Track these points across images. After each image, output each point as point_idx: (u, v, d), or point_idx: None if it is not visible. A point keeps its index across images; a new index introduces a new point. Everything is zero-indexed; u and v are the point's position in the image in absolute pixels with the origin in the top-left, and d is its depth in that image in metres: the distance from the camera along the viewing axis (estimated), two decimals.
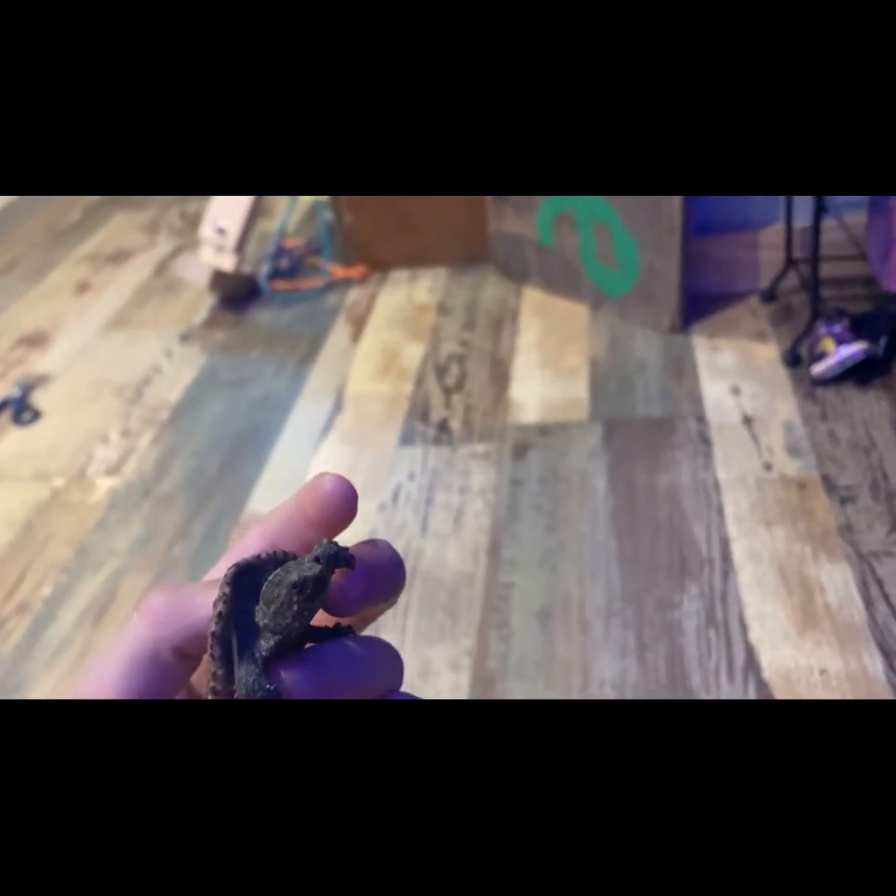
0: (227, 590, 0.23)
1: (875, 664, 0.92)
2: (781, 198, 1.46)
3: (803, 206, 1.39)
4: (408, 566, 1.12)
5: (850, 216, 1.48)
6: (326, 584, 0.23)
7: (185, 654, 0.24)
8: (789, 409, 1.28)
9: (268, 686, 0.23)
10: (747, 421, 1.27)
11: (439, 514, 1.19)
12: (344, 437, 1.36)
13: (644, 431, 1.29)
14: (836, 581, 1.02)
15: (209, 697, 0.23)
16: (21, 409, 1.50)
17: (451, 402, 1.40)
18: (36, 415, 1.50)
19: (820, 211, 1.27)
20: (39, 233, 2.17)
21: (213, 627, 0.23)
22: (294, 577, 0.22)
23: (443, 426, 1.35)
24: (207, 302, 1.75)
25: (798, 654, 0.94)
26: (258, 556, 0.24)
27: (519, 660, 0.98)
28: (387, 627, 1.04)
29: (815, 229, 1.27)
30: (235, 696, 0.23)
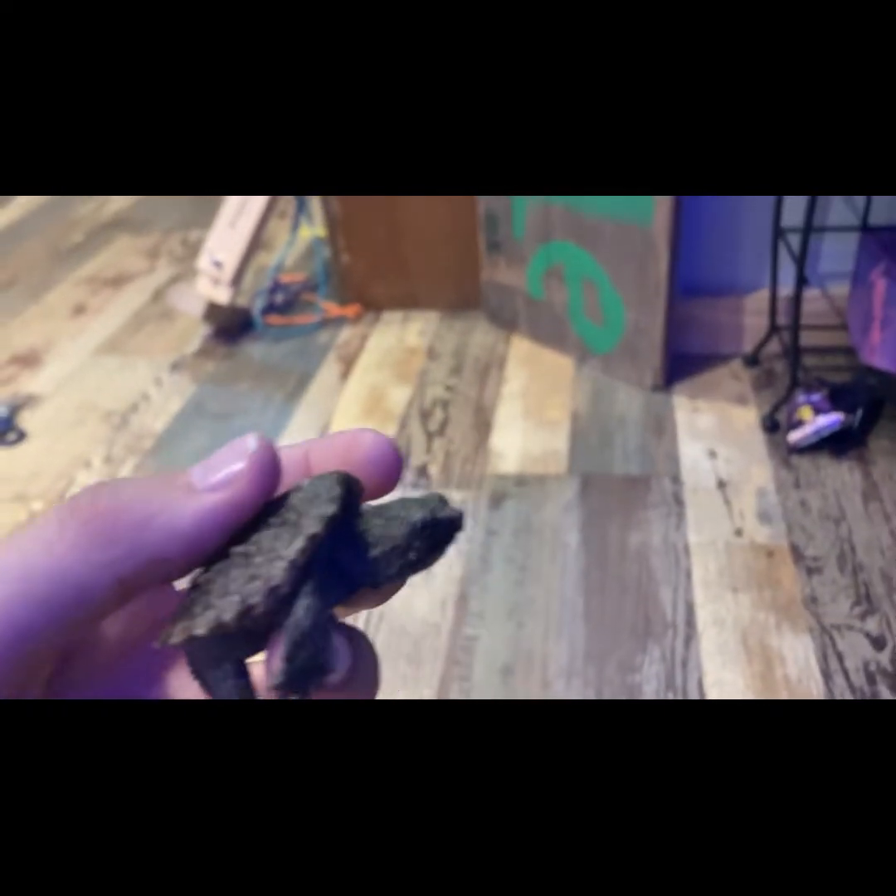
0: (340, 500, 0.17)
1: None
2: (767, 265, 1.49)
3: (788, 273, 1.42)
4: (375, 613, 1.13)
5: (833, 287, 1.51)
6: (455, 533, 0.19)
7: (127, 586, 0.18)
8: (764, 475, 1.30)
9: (321, 642, 0.18)
10: (721, 485, 1.29)
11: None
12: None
13: (620, 488, 1.30)
14: (797, 652, 1.02)
15: (227, 619, 0.17)
16: (6, 430, 1.51)
17: (433, 447, 1.41)
18: (21, 435, 1.51)
19: (801, 280, 1.29)
20: (42, 252, 2.20)
21: (303, 544, 0.17)
22: (419, 516, 0.18)
23: (422, 471, 1.36)
24: (200, 332, 1.77)
25: None
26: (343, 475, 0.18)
27: None
28: None
29: (797, 298, 1.30)
30: (279, 634, 0.17)
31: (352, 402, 1.54)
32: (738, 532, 1.20)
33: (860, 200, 1.44)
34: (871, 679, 0.98)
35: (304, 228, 1.88)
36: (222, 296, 1.68)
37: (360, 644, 0.20)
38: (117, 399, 1.60)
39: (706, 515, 1.24)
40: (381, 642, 1.08)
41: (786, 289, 1.47)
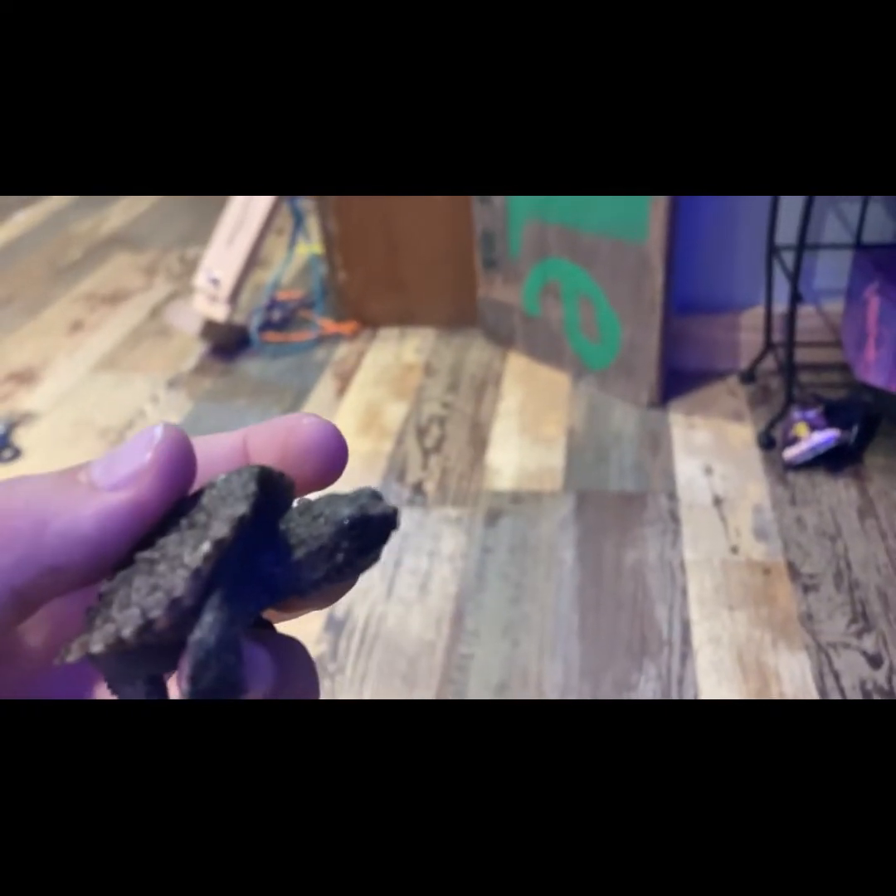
0: (253, 499, 0.15)
1: None
2: (762, 282, 1.49)
3: (783, 290, 1.42)
4: (370, 632, 1.12)
5: (828, 303, 1.51)
6: (389, 532, 0.16)
7: (24, 598, 0.16)
8: (760, 492, 1.30)
9: (230, 660, 0.15)
10: (717, 501, 1.29)
11: (406, 578, 1.20)
12: (320, 493, 1.37)
13: (615, 505, 1.30)
14: (794, 670, 1.02)
15: (126, 634, 0.15)
16: (2, 447, 1.51)
17: (429, 464, 1.41)
18: (16, 453, 1.51)
19: (796, 297, 1.30)
20: (40, 269, 2.20)
21: (207, 549, 0.15)
22: (347, 513, 0.16)
23: (418, 488, 1.36)
24: (198, 349, 1.77)
25: None
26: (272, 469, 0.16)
27: None
28: (344, 693, 1.04)
29: (791, 315, 1.30)
30: (185, 653, 0.15)
31: (348, 418, 1.55)
32: (734, 549, 1.20)
33: (854, 217, 1.45)
34: (867, 697, 0.98)
35: (301, 245, 1.88)
36: (219, 313, 1.68)
37: (291, 654, 0.18)
38: (113, 416, 1.60)
39: (702, 532, 1.23)
40: (376, 661, 1.08)
41: (780, 306, 1.47)
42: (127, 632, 0.15)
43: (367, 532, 0.16)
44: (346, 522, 0.15)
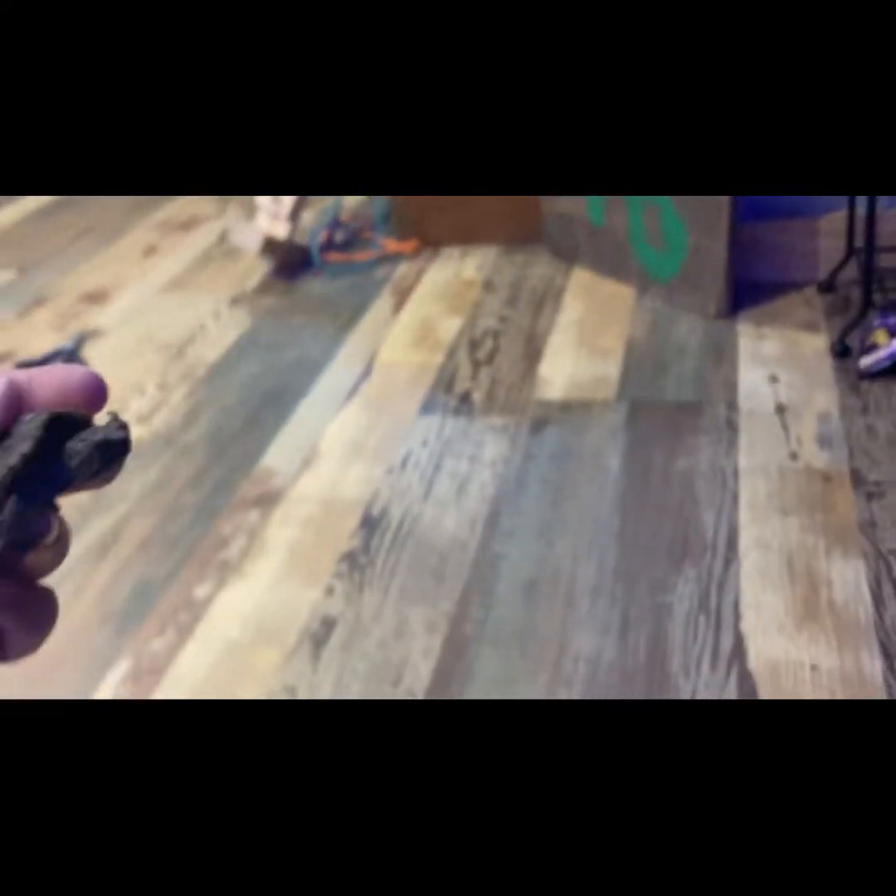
0: (37, 439, 0.25)
1: (874, 665, 0.85)
2: None
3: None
4: (404, 529, 1.10)
5: None
6: (125, 451, 0.26)
7: None
8: (828, 401, 1.20)
9: (29, 529, 0.25)
10: (780, 409, 1.20)
11: (445, 481, 1.17)
12: (367, 402, 1.35)
13: (670, 415, 1.23)
14: (847, 577, 0.95)
15: None
16: (70, 361, 1.55)
17: (479, 375, 1.38)
18: (83, 365, 1.55)
19: (875, 198, 1.19)
20: (119, 201, 2.26)
21: (12, 461, 0.25)
22: (98, 437, 0.25)
23: (465, 397, 1.33)
24: (262, 269, 1.78)
25: (790, 646, 0.88)
26: (55, 413, 0.26)
27: (496, 628, 0.95)
28: (370, 586, 1.02)
29: (870, 217, 1.20)
30: None
31: (402, 332, 1.52)
32: (794, 456, 1.12)
33: None
34: None
35: None
36: (280, 231, 1.68)
37: (63, 522, 0.26)
38: (177, 332, 1.62)
39: (760, 440, 1.16)
40: (407, 556, 1.06)
41: (865, 208, 1.35)
42: None
43: (110, 450, 0.25)
44: (96, 443, 0.25)
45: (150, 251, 1.95)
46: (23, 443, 0.25)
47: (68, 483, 0.25)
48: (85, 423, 0.26)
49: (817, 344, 1.32)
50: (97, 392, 0.26)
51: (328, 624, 0.98)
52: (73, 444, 0.25)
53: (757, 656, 0.87)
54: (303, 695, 0.90)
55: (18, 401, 0.25)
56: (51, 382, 0.26)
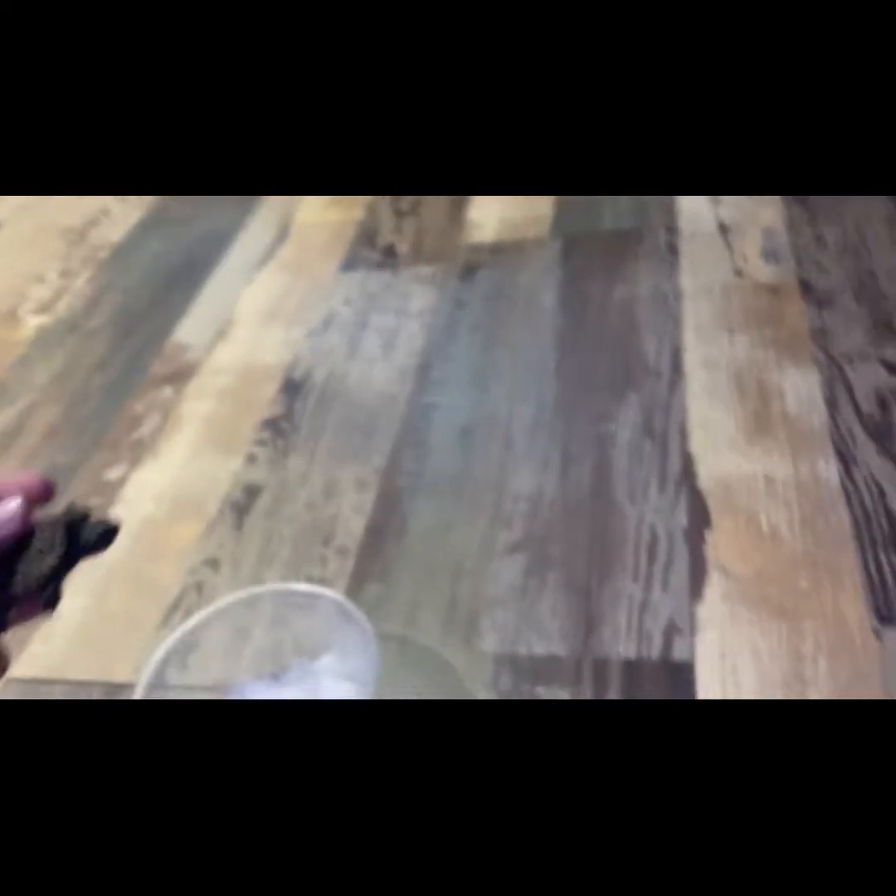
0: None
1: (829, 470, 0.79)
2: None
3: None
4: (329, 390, 1.02)
5: None
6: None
7: None
8: (773, 215, 1.12)
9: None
10: (723, 229, 1.12)
11: (371, 337, 1.09)
12: (282, 266, 1.25)
13: (606, 245, 1.14)
14: (799, 387, 0.88)
15: None
16: None
17: (403, 227, 1.27)
18: None
19: None
20: None
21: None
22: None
23: (389, 250, 1.23)
24: None
25: (743, 461, 0.82)
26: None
27: (431, 478, 0.89)
28: (296, 451, 0.95)
29: None
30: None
31: (317, 200, 1.41)
32: (739, 273, 1.04)
33: None
34: (882, 403, 0.84)
35: None
36: None
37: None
38: (77, 216, 1.49)
39: (703, 261, 1.08)
40: (334, 417, 0.98)
41: None
42: None
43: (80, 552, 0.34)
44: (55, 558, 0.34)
45: None
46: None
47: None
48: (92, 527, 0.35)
49: None
50: (48, 492, 0.33)
51: (251, 492, 0.91)
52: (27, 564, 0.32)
53: (708, 475, 0.82)
54: (226, 566, 0.83)
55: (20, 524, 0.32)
56: (16, 484, 0.33)
